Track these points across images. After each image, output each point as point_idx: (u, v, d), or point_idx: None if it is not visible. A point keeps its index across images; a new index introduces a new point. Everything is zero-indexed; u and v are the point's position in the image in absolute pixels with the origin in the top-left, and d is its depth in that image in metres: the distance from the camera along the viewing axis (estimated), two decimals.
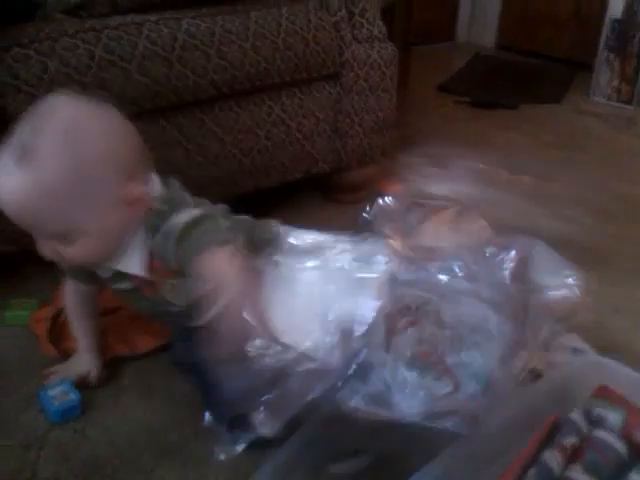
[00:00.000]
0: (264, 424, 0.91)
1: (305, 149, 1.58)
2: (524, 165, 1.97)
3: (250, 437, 0.91)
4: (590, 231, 1.61)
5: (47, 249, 0.86)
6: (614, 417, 0.86)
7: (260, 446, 0.91)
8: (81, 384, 1.05)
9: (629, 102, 2.58)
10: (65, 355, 1.12)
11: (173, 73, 1.28)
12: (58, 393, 1.03)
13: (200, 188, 1.38)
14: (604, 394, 0.89)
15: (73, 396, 1.02)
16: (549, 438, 0.84)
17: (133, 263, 0.91)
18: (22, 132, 0.80)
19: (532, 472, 0.80)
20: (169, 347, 1.13)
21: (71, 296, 1.08)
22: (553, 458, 0.81)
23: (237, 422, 0.92)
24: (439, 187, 1.79)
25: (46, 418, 1.01)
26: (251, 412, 0.91)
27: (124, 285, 0.96)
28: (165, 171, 0.96)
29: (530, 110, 2.50)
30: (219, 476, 0.92)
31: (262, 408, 0.91)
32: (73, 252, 0.86)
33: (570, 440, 0.84)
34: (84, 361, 1.08)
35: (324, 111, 1.58)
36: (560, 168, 1.95)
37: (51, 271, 1.31)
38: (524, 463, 0.80)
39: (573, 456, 0.82)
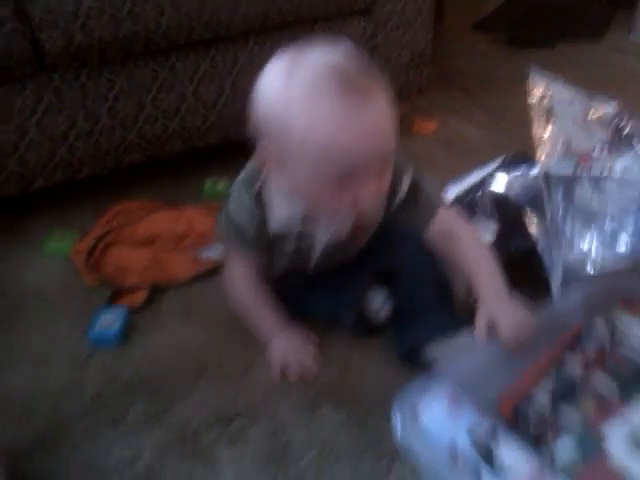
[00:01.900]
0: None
1: None
2: None
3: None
4: None
5: (374, 186, 0.83)
6: (636, 328, 0.87)
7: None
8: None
9: None
10: (104, 282, 1.15)
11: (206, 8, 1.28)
12: (108, 319, 1.06)
13: (233, 125, 1.38)
14: (629, 306, 0.90)
15: (115, 327, 1.05)
16: (573, 345, 0.86)
17: (374, 212, 0.93)
18: (346, 72, 0.78)
19: (553, 375, 0.82)
20: (205, 276, 1.17)
21: (239, 288, 1.02)
22: (574, 363, 0.84)
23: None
24: (475, 126, 1.76)
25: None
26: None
27: (329, 242, 0.97)
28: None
29: (567, 49, 2.43)
30: (257, 389, 0.96)
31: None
32: (382, 185, 0.85)
33: (592, 347, 0.86)
34: (297, 334, 1.02)
35: (359, 47, 1.56)
36: None
37: (90, 204, 1.37)
38: (546, 365, 0.83)
39: (595, 363, 0.84)
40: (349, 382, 0.96)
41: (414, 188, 0.95)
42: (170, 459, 0.86)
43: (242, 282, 1.00)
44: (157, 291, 1.15)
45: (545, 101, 1.22)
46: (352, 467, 0.84)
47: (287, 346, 0.99)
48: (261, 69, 1.44)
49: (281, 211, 0.92)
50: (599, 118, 1.19)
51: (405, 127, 1.61)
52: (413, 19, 1.59)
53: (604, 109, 1.20)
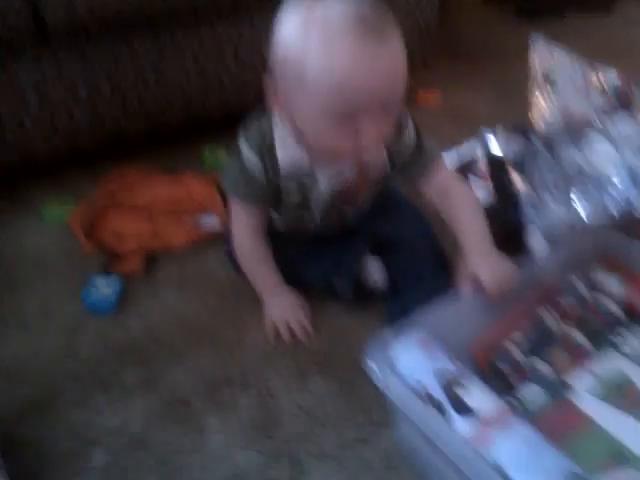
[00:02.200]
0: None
1: None
2: None
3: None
4: None
5: (375, 128, 0.84)
6: (613, 282, 0.91)
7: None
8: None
9: None
10: (102, 249, 1.16)
11: None
12: (104, 286, 1.07)
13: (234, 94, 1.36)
14: (607, 263, 0.93)
15: (110, 294, 1.05)
16: (550, 299, 0.90)
17: (379, 161, 0.97)
18: (364, 14, 0.80)
19: (528, 326, 0.87)
20: (201, 244, 1.18)
21: (246, 239, 1.03)
22: (550, 315, 0.88)
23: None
24: (480, 98, 1.74)
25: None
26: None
27: (333, 192, 0.98)
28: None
29: (576, 20, 2.39)
30: (248, 357, 0.96)
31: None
32: (387, 124, 0.87)
33: (569, 301, 0.90)
34: (292, 295, 1.04)
35: None
36: None
37: (90, 172, 1.36)
38: (522, 319, 0.87)
39: (570, 316, 0.88)
40: (340, 351, 0.96)
41: (418, 140, 0.98)
42: (158, 426, 0.86)
43: (247, 230, 1.02)
44: (154, 259, 1.15)
45: (545, 67, 1.22)
46: (338, 434, 0.85)
47: (282, 306, 1.02)
48: (262, 41, 1.44)
49: (288, 154, 0.94)
50: (599, 85, 1.18)
51: (409, 99, 1.59)
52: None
53: (604, 77, 1.21)
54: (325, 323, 1.01)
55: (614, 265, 0.93)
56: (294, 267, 1.06)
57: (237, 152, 0.97)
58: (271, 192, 0.97)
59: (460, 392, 0.69)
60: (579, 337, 0.85)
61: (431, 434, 0.69)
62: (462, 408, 0.68)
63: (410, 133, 0.98)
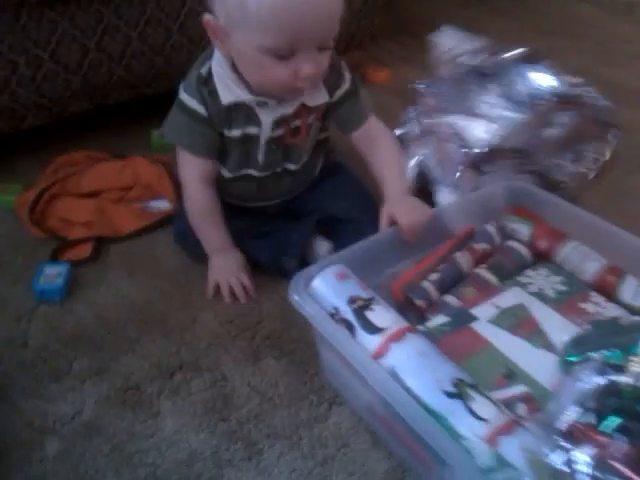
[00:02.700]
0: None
1: None
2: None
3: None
4: None
5: (313, 63, 0.89)
6: (523, 228, 1.00)
7: None
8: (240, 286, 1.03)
9: None
10: (49, 234, 1.14)
11: None
12: (51, 273, 1.05)
13: (180, 71, 1.35)
14: (518, 212, 1.02)
15: (59, 281, 1.04)
16: (463, 244, 0.98)
17: (318, 97, 1.01)
18: None
19: (443, 267, 0.95)
20: (151, 229, 1.18)
21: (196, 191, 1.04)
22: (463, 258, 0.97)
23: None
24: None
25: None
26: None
27: (276, 132, 1.00)
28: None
29: None
30: (201, 341, 0.97)
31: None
32: (325, 61, 0.92)
33: (481, 246, 0.99)
34: (238, 257, 1.06)
35: None
36: (548, 54, 1.90)
37: (35, 155, 1.34)
38: (437, 260, 0.95)
39: (482, 259, 0.97)
40: (292, 333, 0.97)
41: (355, 88, 1.05)
42: (111, 413, 0.86)
43: (197, 183, 1.03)
44: (103, 244, 1.14)
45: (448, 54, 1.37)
46: (292, 414, 0.86)
47: (226, 265, 1.05)
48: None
49: (231, 95, 0.96)
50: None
51: (358, 76, 1.60)
52: None
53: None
54: (276, 304, 1.02)
55: (524, 214, 1.02)
56: (243, 247, 1.07)
57: (178, 102, 0.99)
58: (215, 138, 1.00)
59: (369, 314, 0.78)
60: (488, 276, 0.94)
61: (339, 349, 0.77)
62: (370, 328, 0.77)
63: (347, 79, 1.03)
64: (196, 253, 1.08)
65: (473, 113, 1.21)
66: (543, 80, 1.27)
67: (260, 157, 1.03)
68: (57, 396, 0.89)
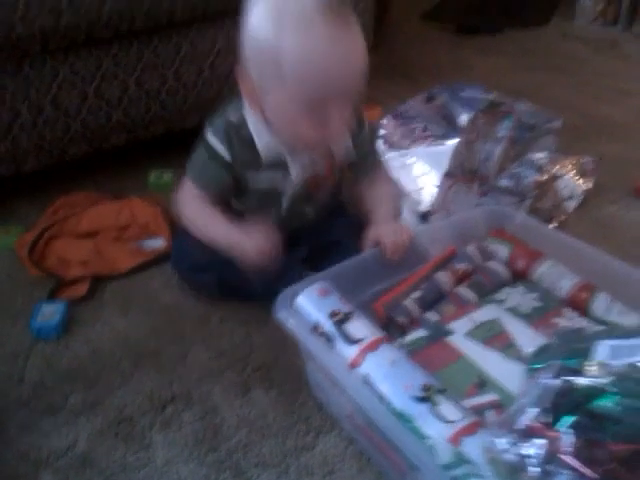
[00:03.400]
0: None
1: None
2: (502, 88, 1.98)
3: None
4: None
5: (342, 117, 0.93)
6: (502, 250, 1.04)
7: None
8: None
9: (614, 24, 2.57)
10: (48, 274, 1.18)
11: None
12: (48, 311, 1.08)
13: (177, 114, 1.42)
14: (498, 234, 1.07)
15: (56, 318, 1.07)
16: (445, 264, 1.03)
17: (346, 150, 1.06)
18: (331, 4, 0.88)
19: (424, 286, 1.00)
20: (147, 266, 1.21)
21: (193, 205, 1.05)
22: (445, 277, 1.01)
23: None
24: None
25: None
26: None
27: (302, 174, 1.04)
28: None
29: (514, 34, 2.50)
30: (192, 374, 0.99)
31: None
32: (349, 115, 0.95)
33: (462, 266, 1.03)
34: (259, 225, 1.00)
35: None
36: (537, 90, 1.96)
37: (35, 197, 1.38)
38: (418, 279, 1.00)
39: (463, 278, 1.02)
40: (281, 364, 1.00)
41: (373, 136, 1.12)
42: (104, 445, 0.89)
43: (196, 200, 1.04)
44: (99, 283, 1.18)
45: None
46: (279, 443, 0.88)
47: (254, 237, 0.98)
48: (205, 59, 1.48)
49: (264, 142, 1.00)
50: None
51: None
52: (353, 6, 1.62)
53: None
54: (266, 336, 1.05)
55: (503, 235, 1.07)
56: (237, 276, 1.07)
57: (205, 144, 1.03)
58: (233, 183, 1.04)
59: (347, 327, 0.83)
60: (467, 294, 0.99)
61: (318, 359, 0.83)
62: (348, 339, 0.81)
63: (366, 128, 1.09)
64: (192, 280, 1.13)
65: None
66: (474, 97, 1.33)
67: (284, 205, 1.08)
68: (52, 430, 0.91)
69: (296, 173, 1.03)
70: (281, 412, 0.93)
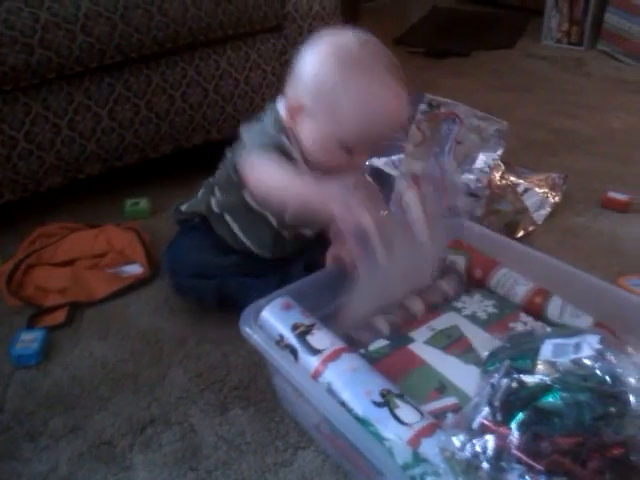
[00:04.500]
0: None
1: (255, 101, 1.63)
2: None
3: None
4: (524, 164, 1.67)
5: (366, 152, 1.04)
6: (459, 259, 1.08)
7: None
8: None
9: (579, 44, 2.64)
10: (26, 303, 1.19)
11: (117, 32, 1.33)
12: (27, 338, 1.09)
13: (150, 143, 1.44)
14: (456, 245, 1.11)
15: (35, 346, 1.08)
16: None
17: None
18: (395, 63, 1.00)
19: (396, 312, 1.00)
20: (124, 292, 1.22)
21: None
22: (416, 305, 1.02)
23: None
24: None
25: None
26: None
27: None
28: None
29: (482, 56, 2.56)
30: (170, 396, 1.00)
31: None
32: (364, 158, 1.06)
33: (436, 298, 1.04)
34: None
35: (270, 63, 1.63)
36: (505, 109, 2.00)
37: (12, 228, 1.39)
38: None
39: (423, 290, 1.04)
40: (259, 383, 1.02)
41: None
42: (85, 468, 0.89)
43: (267, 164, 0.99)
44: (77, 309, 1.19)
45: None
46: (258, 460, 0.90)
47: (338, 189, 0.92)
48: (175, 89, 1.51)
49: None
50: None
51: None
52: None
53: None
54: (243, 357, 1.06)
55: (461, 246, 1.11)
56: (231, 284, 1.11)
57: (255, 125, 1.07)
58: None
59: (309, 338, 0.86)
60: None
61: (283, 371, 0.85)
62: (310, 350, 0.84)
63: None
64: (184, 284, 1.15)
65: None
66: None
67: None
68: (32, 456, 0.91)
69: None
70: (259, 429, 0.94)
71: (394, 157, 1.35)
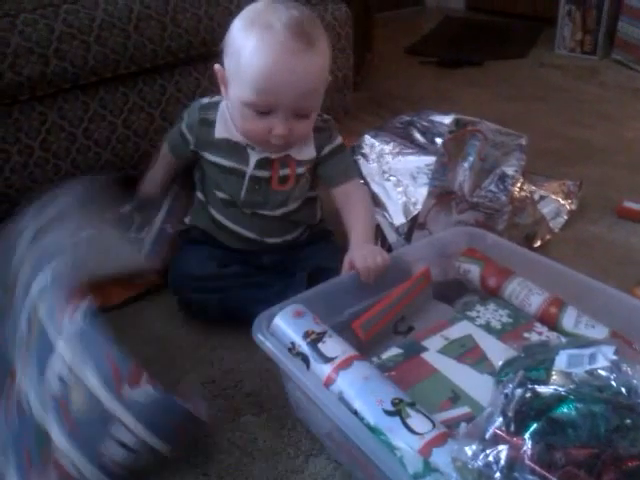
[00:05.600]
0: None
1: None
2: (485, 118, 2.02)
3: None
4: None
5: (284, 126, 1.03)
6: (474, 268, 1.08)
7: None
8: None
9: (593, 53, 2.63)
10: None
11: (130, 43, 1.35)
12: None
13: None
14: (470, 253, 1.11)
15: None
16: (417, 284, 1.07)
17: (306, 152, 1.13)
18: (301, 22, 0.99)
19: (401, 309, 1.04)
20: (138, 298, 1.23)
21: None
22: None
23: None
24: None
25: None
26: None
27: (260, 173, 1.13)
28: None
29: (495, 66, 2.56)
30: None
31: None
32: (302, 127, 1.06)
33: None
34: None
35: None
36: (519, 118, 2.00)
37: None
38: (393, 299, 1.02)
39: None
40: (271, 390, 1.02)
41: (343, 149, 1.18)
42: None
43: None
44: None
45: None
46: (270, 466, 0.90)
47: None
48: (189, 98, 1.52)
49: (225, 129, 1.12)
50: None
51: None
52: (333, 45, 1.66)
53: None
54: (256, 363, 1.06)
55: (475, 254, 1.11)
56: (234, 295, 1.12)
57: (181, 118, 1.19)
58: (193, 154, 1.18)
59: (320, 346, 0.86)
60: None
61: (295, 379, 0.85)
62: (322, 358, 0.84)
63: (337, 139, 1.16)
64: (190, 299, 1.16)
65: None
66: (443, 118, 1.36)
67: (242, 192, 1.13)
68: None
69: (252, 157, 1.11)
70: (271, 436, 0.94)
71: (409, 165, 1.33)
